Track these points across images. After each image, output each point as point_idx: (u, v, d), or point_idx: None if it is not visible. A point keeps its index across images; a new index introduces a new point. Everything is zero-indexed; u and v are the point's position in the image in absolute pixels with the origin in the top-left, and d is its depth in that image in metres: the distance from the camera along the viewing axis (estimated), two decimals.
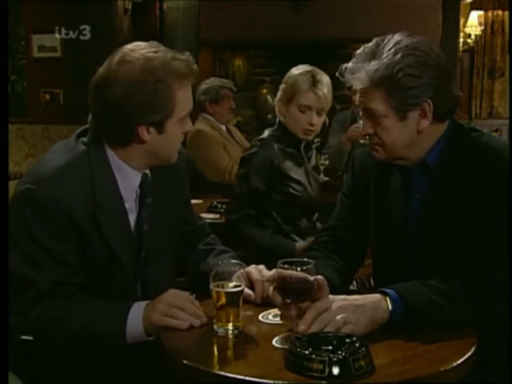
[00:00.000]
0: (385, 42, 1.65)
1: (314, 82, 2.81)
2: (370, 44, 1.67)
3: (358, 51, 1.68)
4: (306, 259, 1.51)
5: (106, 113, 1.67)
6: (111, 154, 1.73)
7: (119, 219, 1.73)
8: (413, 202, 1.75)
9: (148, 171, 1.80)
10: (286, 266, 1.46)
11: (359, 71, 1.63)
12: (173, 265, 1.93)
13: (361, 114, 1.73)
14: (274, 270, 1.48)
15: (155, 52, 1.67)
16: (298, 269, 1.45)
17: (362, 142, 3.91)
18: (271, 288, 1.50)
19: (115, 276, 1.73)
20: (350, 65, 1.67)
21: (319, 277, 1.47)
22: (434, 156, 1.71)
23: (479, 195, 1.62)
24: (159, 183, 1.83)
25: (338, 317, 1.46)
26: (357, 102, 1.70)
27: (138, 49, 1.68)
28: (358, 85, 1.64)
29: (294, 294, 1.46)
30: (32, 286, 1.62)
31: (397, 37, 1.65)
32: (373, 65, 1.61)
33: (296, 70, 2.87)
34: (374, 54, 1.64)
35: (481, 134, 1.75)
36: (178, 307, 1.56)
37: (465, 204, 1.64)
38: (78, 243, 1.67)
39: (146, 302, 1.63)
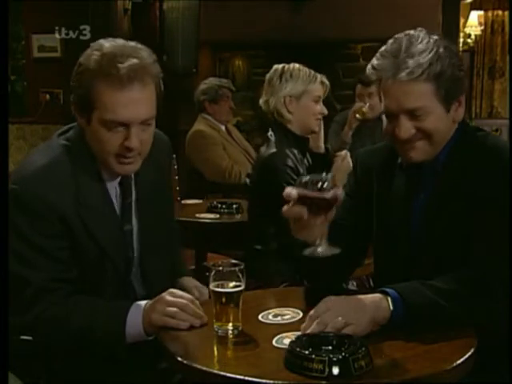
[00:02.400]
0: (415, 37, 1.62)
1: (316, 73, 2.83)
2: (401, 40, 1.62)
3: (385, 48, 1.63)
4: (324, 174, 1.50)
5: None
6: None
7: (105, 215, 1.72)
8: (416, 201, 1.74)
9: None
10: (304, 182, 1.47)
11: (405, 64, 1.58)
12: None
13: (385, 123, 1.70)
14: (294, 190, 1.47)
15: (110, 47, 1.63)
16: (318, 185, 1.46)
17: (358, 116, 3.88)
18: (290, 204, 1.48)
19: (107, 274, 1.73)
20: (386, 60, 1.61)
21: (335, 195, 1.47)
22: (442, 155, 1.71)
23: (483, 195, 1.61)
24: (146, 182, 1.80)
25: (339, 317, 1.46)
26: (389, 107, 1.65)
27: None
28: (403, 77, 1.58)
29: (311, 209, 1.48)
30: (27, 285, 1.62)
31: (421, 34, 1.63)
32: (423, 57, 1.58)
33: (288, 65, 2.83)
34: (409, 50, 1.60)
35: (486, 134, 1.76)
36: (178, 307, 1.56)
37: (468, 204, 1.64)
38: (68, 239, 1.66)
39: (145, 302, 1.63)
